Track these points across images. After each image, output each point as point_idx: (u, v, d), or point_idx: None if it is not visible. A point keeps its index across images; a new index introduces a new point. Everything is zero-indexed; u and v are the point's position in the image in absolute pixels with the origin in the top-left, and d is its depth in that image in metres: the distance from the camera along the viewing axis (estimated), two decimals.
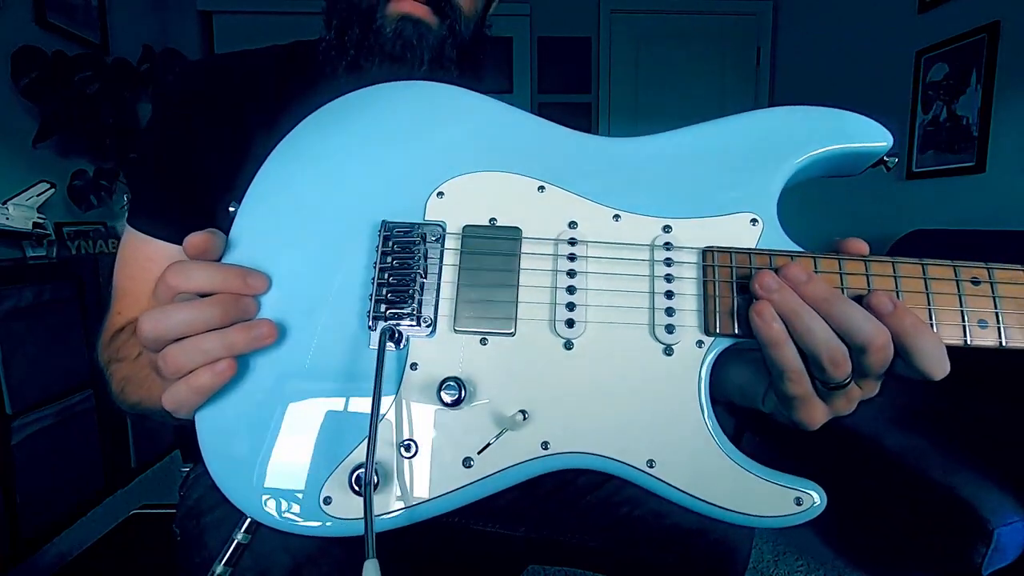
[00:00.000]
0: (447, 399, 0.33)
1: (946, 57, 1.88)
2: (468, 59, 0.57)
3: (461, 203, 0.37)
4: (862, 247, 0.37)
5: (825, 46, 2.56)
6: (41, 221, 1.66)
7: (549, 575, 1.34)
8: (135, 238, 0.55)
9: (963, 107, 1.82)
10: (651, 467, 0.34)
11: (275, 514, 0.33)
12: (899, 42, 2.09)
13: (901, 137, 2.10)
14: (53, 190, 1.69)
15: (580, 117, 2.93)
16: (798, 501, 0.34)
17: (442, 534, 0.61)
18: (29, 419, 1.42)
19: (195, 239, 0.35)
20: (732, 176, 0.38)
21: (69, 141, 1.86)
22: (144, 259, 0.54)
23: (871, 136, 0.38)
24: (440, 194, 0.38)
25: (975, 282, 0.34)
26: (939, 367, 0.32)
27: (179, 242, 0.42)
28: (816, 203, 2.64)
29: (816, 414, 0.35)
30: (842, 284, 0.35)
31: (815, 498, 0.34)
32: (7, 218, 1.57)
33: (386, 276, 0.36)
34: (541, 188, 0.38)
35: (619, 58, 2.94)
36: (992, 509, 0.92)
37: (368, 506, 0.29)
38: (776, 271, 0.35)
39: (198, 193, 0.54)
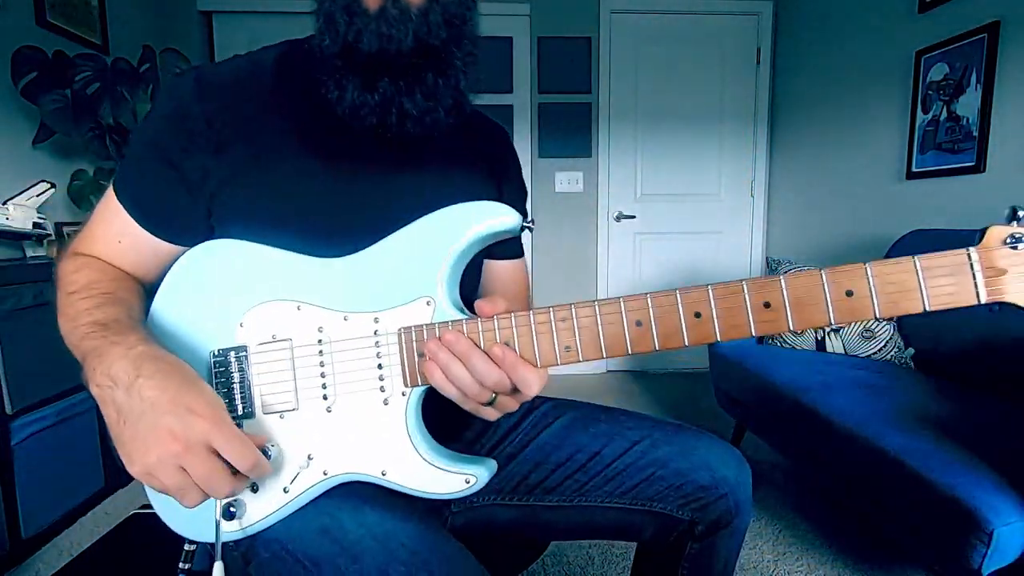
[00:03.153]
0: (266, 455, 0.51)
1: (946, 57, 1.88)
2: (455, 26, 0.59)
3: (253, 328, 0.56)
4: (493, 308, 0.51)
5: (825, 46, 2.56)
6: (41, 221, 1.66)
7: (551, 574, 1.34)
8: (119, 209, 0.61)
9: (963, 107, 1.82)
10: (384, 475, 0.53)
11: (190, 533, 0.55)
12: (899, 42, 2.09)
13: (901, 137, 2.10)
14: (53, 190, 1.69)
15: (580, 117, 2.93)
16: (467, 480, 0.53)
17: (469, 515, 0.70)
18: (29, 419, 1.42)
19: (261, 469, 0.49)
20: (412, 273, 0.54)
21: (69, 141, 1.86)
22: (116, 233, 0.61)
23: (501, 218, 0.54)
24: (241, 324, 0.56)
25: (563, 320, 0.50)
26: (528, 388, 0.50)
27: (154, 232, 0.61)
28: (818, 204, 2.64)
29: (486, 413, 0.53)
30: (480, 339, 0.51)
31: (479, 476, 0.53)
32: (7, 218, 1.57)
33: (219, 385, 0.54)
34: (299, 307, 0.56)
35: (619, 58, 2.94)
36: (992, 509, 0.92)
37: (217, 531, 0.50)
38: (440, 337, 0.51)
39: (186, 196, 0.60)
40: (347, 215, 0.60)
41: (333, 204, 0.60)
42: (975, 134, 1.78)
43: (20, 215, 1.60)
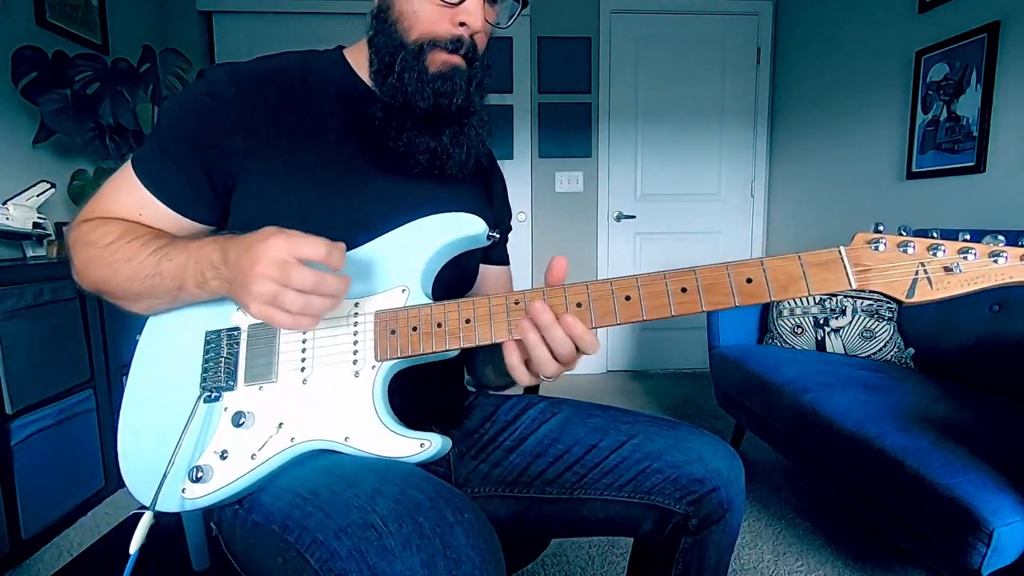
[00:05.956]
0: (239, 423, 0.58)
1: (946, 57, 1.88)
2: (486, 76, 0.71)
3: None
4: (559, 274, 0.56)
5: (825, 46, 2.56)
6: (41, 221, 1.66)
7: (551, 574, 1.34)
8: (138, 183, 0.65)
9: (963, 107, 1.82)
10: (347, 440, 0.57)
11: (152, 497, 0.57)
12: (899, 42, 2.09)
13: (901, 137, 2.10)
14: (53, 190, 1.69)
15: (580, 117, 2.93)
16: (422, 444, 0.56)
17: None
18: (29, 419, 1.42)
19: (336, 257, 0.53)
20: (392, 267, 0.62)
21: (69, 141, 1.86)
22: (138, 205, 0.65)
23: (471, 227, 0.62)
24: (239, 308, 0.62)
25: (516, 303, 0.56)
26: (591, 348, 0.54)
27: (175, 210, 0.65)
28: (818, 204, 2.64)
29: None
30: (445, 319, 0.57)
31: (434, 443, 0.56)
32: (7, 218, 1.57)
33: (207, 360, 0.62)
34: None
35: (619, 58, 2.94)
36: (992, 509, 0.92)
37: (161, 483, 0.56)
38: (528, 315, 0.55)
39: (208, 180, 0.65)
40: (358, 211, 0.66)
41: (347, 199, 0.66)
42: (975, 134, 1.78)
43: (20, 215, 1.60)
